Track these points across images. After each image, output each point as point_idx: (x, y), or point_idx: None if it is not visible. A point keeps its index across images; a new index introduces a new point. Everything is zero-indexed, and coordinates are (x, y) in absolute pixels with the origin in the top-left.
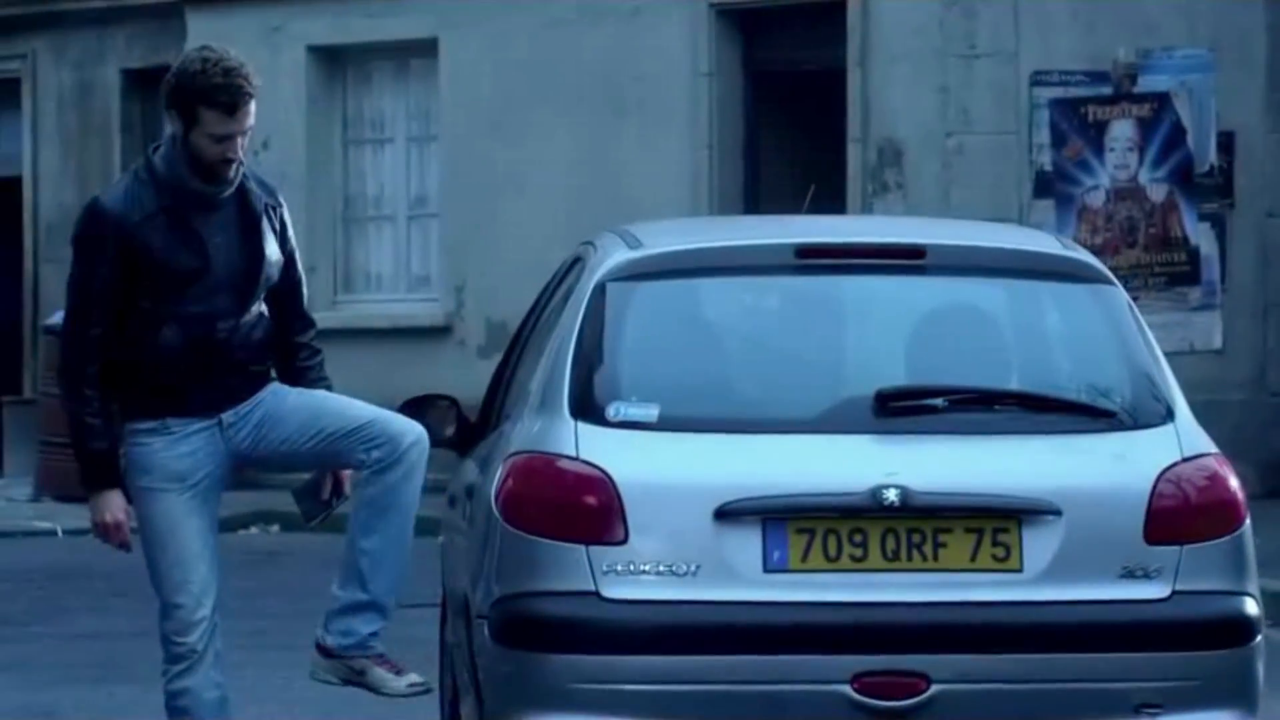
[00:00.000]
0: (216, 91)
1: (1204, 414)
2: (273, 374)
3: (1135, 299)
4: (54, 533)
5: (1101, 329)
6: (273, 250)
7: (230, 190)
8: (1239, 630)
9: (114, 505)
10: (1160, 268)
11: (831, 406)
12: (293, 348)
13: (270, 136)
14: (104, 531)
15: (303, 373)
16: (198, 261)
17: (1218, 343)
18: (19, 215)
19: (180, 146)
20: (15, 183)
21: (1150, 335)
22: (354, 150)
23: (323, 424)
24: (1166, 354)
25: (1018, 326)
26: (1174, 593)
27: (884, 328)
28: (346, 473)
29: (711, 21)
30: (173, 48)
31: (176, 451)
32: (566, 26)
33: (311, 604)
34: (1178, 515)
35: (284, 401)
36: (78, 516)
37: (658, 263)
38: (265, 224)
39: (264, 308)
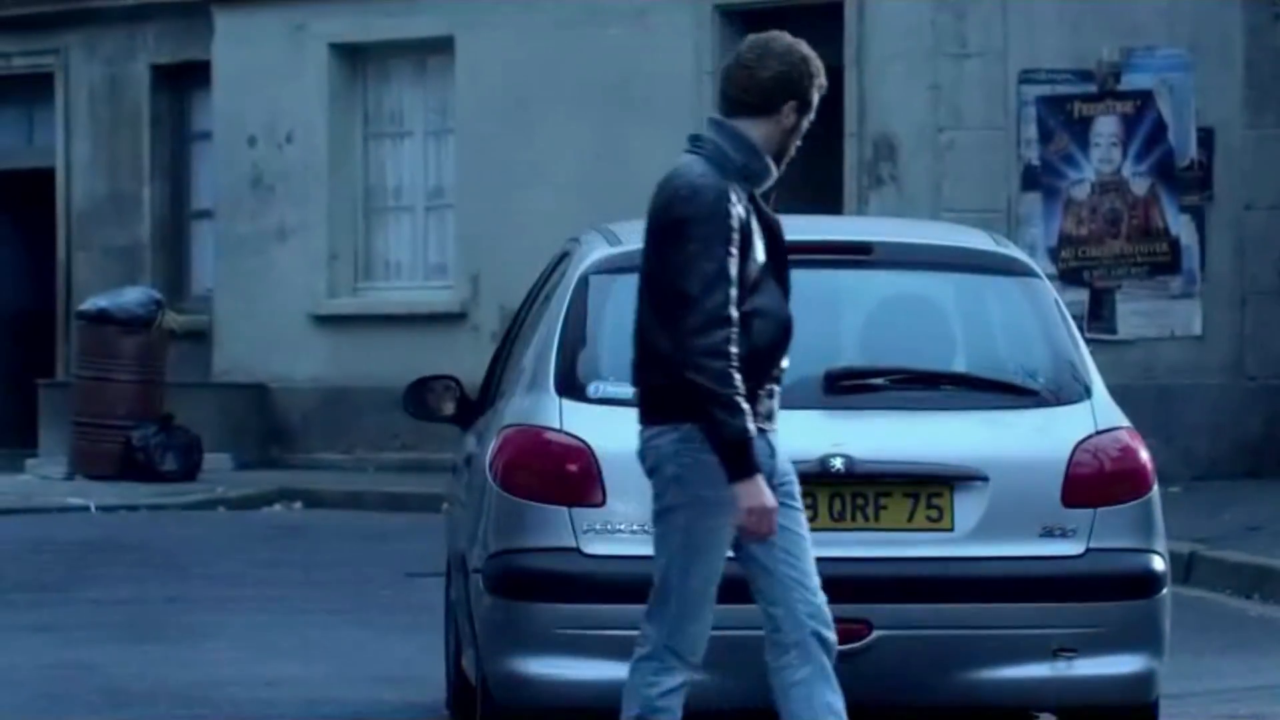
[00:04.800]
0: (821, 74)
1: (1184, 397)
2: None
3: (1118, 287)
4: (87, 509)
5: (1029, 317)
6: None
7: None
8: (1146, 583)
9: (770, 491)
10: (1142, 257)
11: (786, 384)
12: None
13: (294, 130)
14: (760, 518)
15: None
16: (769, 248)
17: (1197, 329)
18: (52, 205)
19: (783, 138)
20: (49, 174)
21: (1072, 323)
22: (374, 143)
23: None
24: (1148, 340)
25: (954, 314)
26: (1088, 550)
27: (834, 315)
28: None
29: (715, 22)
30: (200, 44)
31: None
32: (577, 27)
33: (327, 574)
34: (1092, 481)
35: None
36: (109, 494)
37: (635, 258)
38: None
39: None
